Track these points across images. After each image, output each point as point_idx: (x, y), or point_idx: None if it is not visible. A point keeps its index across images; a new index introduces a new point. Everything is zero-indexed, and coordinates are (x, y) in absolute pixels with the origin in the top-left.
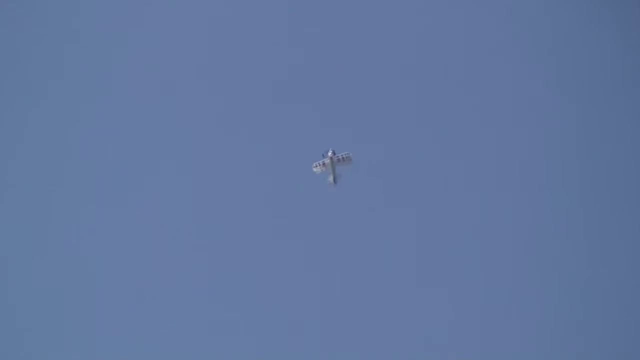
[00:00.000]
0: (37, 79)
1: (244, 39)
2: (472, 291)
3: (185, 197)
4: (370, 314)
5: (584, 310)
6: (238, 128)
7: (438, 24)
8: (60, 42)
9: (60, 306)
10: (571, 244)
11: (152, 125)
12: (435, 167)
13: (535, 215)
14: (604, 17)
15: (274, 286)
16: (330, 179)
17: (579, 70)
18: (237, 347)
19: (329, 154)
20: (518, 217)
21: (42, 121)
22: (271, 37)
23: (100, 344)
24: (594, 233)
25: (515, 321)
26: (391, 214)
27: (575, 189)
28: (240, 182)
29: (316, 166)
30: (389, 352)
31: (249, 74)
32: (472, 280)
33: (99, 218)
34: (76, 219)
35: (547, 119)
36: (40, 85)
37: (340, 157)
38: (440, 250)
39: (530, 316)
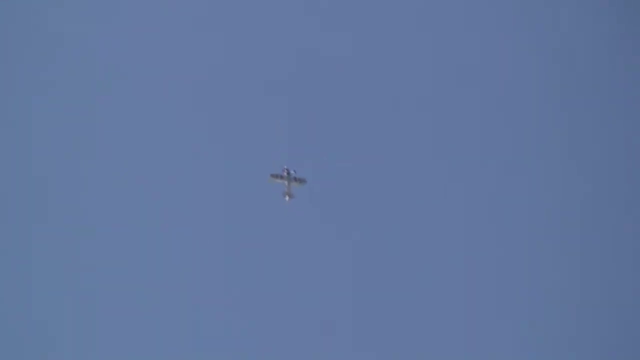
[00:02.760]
0: (30, 77)
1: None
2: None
3: (176, 197)
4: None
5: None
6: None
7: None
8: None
9: (55, 306)
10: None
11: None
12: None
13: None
14: (606, 14)
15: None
16: (286, 196)
17: (581, 68)
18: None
19: (284, 173)
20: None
21: (33, 120)
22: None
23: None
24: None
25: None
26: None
27: (573, 190)
28: (231, 182)
29: (274, 178)
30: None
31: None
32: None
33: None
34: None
35: (544, 118)
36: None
37: (295, 177)
38: (433, 253)
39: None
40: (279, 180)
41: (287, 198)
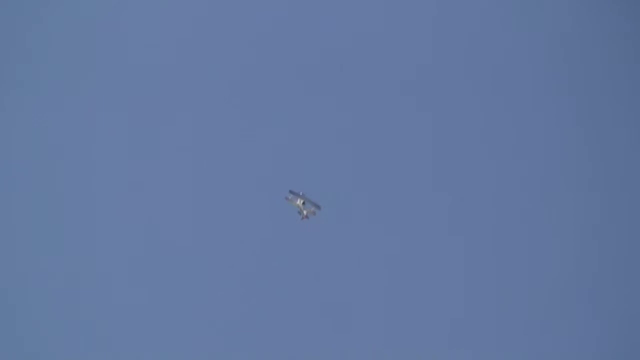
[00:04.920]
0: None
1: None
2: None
3: (179, 197)
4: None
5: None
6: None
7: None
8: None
9: (55, 306)
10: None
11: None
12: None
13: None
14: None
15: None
16: (303, 213)
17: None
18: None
19: (298, 201)
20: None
21: (33, 118)
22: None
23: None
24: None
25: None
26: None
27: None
28: (236, 184)
29: (289, 199)
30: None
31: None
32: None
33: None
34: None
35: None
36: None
37: (309, 207)
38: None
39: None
40: (294, 201)
41: (302, 217)
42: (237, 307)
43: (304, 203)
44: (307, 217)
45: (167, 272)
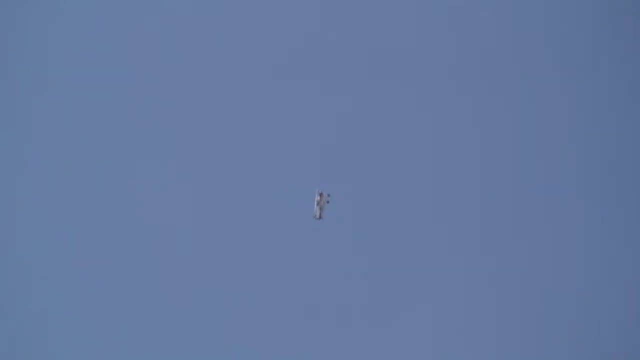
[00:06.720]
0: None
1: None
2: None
3: (180, 197)
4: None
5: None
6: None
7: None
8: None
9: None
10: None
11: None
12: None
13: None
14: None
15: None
16: (317, 214)
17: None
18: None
19: (317, 197)
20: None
21: (33, 119)
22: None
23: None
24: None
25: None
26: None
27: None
28: (235, 183)
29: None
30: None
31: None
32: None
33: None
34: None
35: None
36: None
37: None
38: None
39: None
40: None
41: (317, 216)
42: (240, 308)
43: (328, 201)
44: (321, 213)
45: (167, 274)
